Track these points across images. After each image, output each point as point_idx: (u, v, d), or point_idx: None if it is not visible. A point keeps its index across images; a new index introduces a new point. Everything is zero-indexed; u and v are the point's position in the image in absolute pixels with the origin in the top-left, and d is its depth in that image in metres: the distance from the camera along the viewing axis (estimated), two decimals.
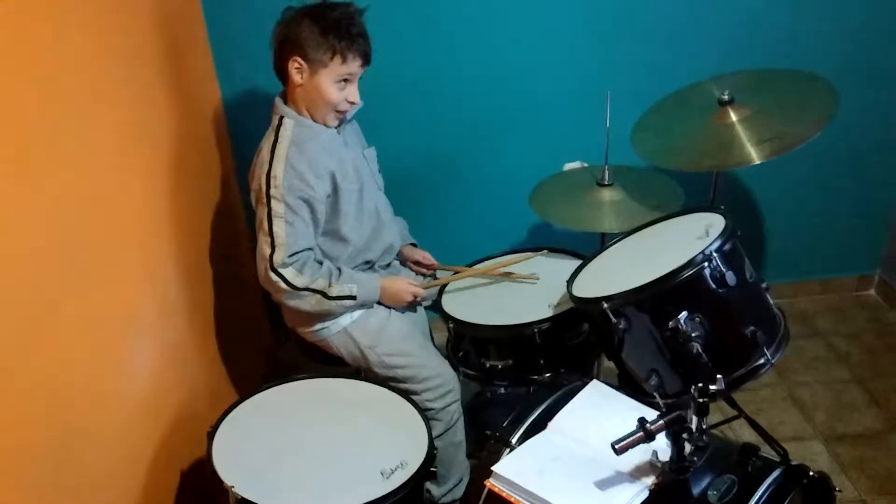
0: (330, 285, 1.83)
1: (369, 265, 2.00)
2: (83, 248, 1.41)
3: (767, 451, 2.07)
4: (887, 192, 2.83)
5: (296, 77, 1.81)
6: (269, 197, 1.78)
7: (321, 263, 1.85)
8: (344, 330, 1.95)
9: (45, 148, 1.30)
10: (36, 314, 1.23)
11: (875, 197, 2.83)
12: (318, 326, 1.95)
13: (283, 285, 1.79)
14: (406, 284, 1.97)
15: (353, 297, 1.85)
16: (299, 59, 1.79)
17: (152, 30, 1.90)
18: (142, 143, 1.76)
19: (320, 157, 1.83)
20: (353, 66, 1.80)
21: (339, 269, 1.87)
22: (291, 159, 1.80)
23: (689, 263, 1.54)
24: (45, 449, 1.22)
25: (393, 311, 1.99)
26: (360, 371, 1.98)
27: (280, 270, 1.78)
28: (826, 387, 2.56)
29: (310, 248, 1.84)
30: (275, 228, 1.78)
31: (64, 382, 1.30)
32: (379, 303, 1.96)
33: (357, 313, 1.95)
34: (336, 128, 1.91)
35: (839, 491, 1.50)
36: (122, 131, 1.65)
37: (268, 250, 1.79)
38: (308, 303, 1.83)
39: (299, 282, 1.80)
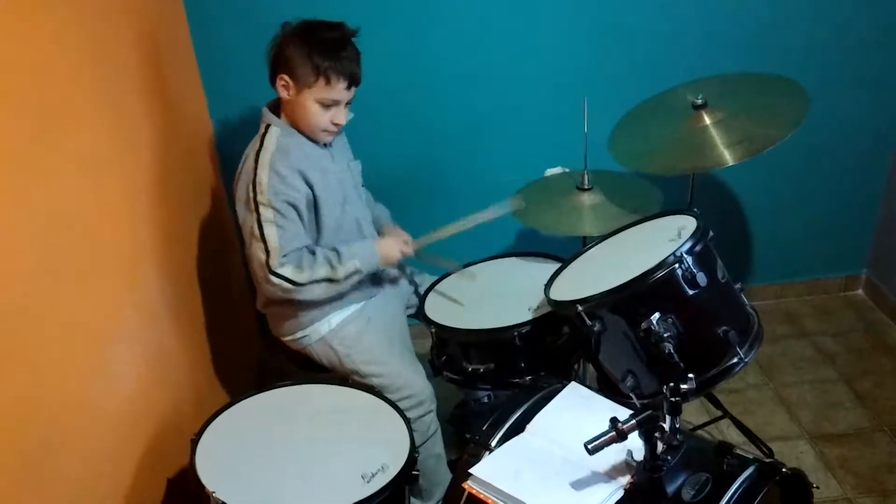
0: (334, 269, 1.86)
1: None
2: (59, 259, 1.42)
3: (753, 451, 2.10)
4: (871, 192, 2.84)
5: (283, 93, 1.84)
6: (256, 203, 1.81)
7: (314, 253, 1.87)
8: (323, 339, 1.97)
9: (18, 160, 1.31)
10: (10, 324, 1.23)
11: (859, 196, 2.85)
12: (298, 335, 1.98)
13: (287, 285, 1.81)
14: (394, 245, 1.99)
15: (359, 272, 1.89)
16: (286, 76, 1.81)
17: (132, 42, 1.92)
18: (122, 154, 1.78)
19: (303, 164, 1.85)
20: (338, 88, 1.81)
21: (335, 250, 1.89)
22: (275, 164, 1.82)
23: (661, 265, 1.56)
24: (20, 458, 1.23)
25: (372, 319, 2.01)
26: (346, 378, 2.00)
27: (279, 272, 1.80)
28: (813, 386, 2.57)
29: (302, 247, 1.86)
30: (266, 234, 1.80)
31: (40, 391, 1.31)
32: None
33: (335, 322, 1.97)
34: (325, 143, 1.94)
35: (816, 487, 1.51)
36: (100, 142, 1.66)
37: (263, 256, 1.81)
38: (318, 293, 1.86)
39: (302, 277, 1.82)
